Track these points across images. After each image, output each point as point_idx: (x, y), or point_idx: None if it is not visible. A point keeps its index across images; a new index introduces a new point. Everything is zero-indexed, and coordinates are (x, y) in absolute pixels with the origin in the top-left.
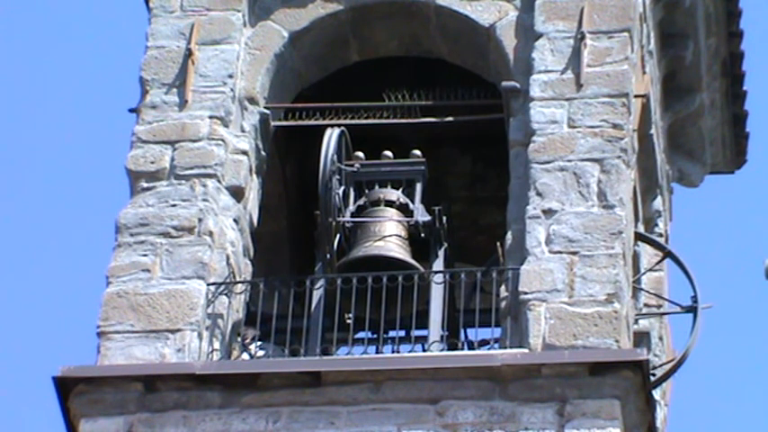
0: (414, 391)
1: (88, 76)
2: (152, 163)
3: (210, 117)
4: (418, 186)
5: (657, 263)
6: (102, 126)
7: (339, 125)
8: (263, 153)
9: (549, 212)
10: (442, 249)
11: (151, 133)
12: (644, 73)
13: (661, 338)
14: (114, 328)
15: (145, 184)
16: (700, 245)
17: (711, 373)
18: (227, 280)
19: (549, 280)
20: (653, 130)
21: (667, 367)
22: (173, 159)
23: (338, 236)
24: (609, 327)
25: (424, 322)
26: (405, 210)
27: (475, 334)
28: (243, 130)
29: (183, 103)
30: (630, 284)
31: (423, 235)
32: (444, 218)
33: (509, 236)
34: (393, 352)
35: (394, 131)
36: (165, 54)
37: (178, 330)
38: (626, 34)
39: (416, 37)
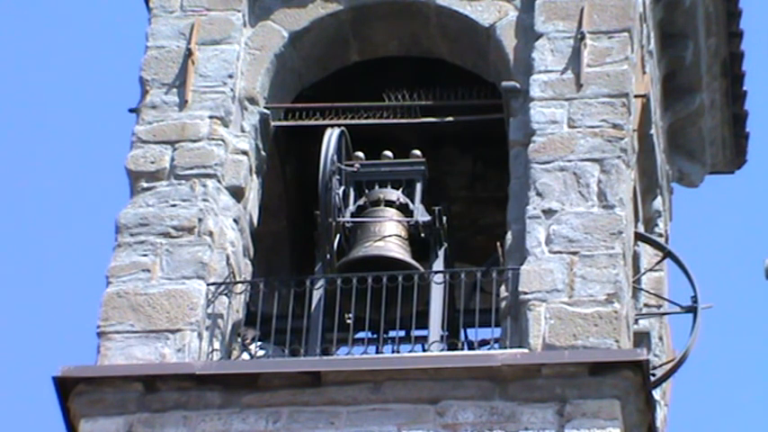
0: (414, 391)
1: (88, 76)
2: (152, 163)
3: (210, 117)
4: (418, 186)
5: (657, 263)
6: (102, 126)
7: (339, 125)
8: (263, 153)
9: (549, 212)
10: (442, 249)
11: (151, 133)
12: (644, 73)
13: (661, 338)
14: (114, 328)
15: (145, 184)
16: (700, 245)
17: (711, 373)
18: (227, 280)
19: (549, 280)
20: (653, 130)
21: (667, 367)
22: (173, 159)
23: (338, 236)
24: (609, 327)
25: (424, 322)
26: (405, 210)
27: (475, 334)
28: (243, 130)
29: (183, 103)
30: (630, 284)
31: (423, 235)
32: (444, 218)
33: (509, 236)
34: (393, 352)
35: (394, 131)
36: (165, 54)
37: (178, 330)
38: (626, 34)
39: (416, 37)
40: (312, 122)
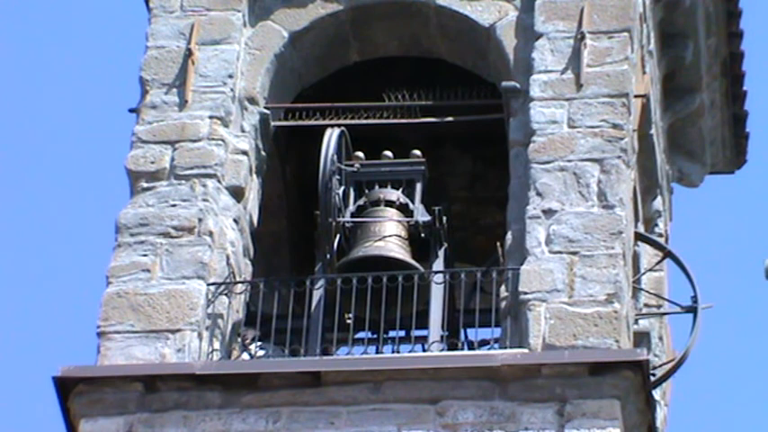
0: (414, 391)
1: (88, 76)
2: (152, 163)
3: (210, 117)
4: (418, 186)
5: (657, 263)
6: (102, 126)
7: (339, 125)
8: (263, 153)
9: (549, 212)
10: (442, 249)
11: (151, 133)
12: (644, 73)
13: (661, 338)
14: (114, 328)
15: (145, 184)
16: (700, 245)
17: (711, 373)
18: (227, 280)
19: (549, 280)
20: (653, 130)
21: (667, 367)
22: (173, 159)
23: (338, 236)
24: (609, 327)
25: (424, 322)
26: (405, 210)
27: (475, 334)
28: (243, 130)
29: (183, 103)
30: (630, 284)
31: (423, 235)
32: (444, 218)
33: (509, 236)
34: (393, 352)
35: (394, 131)
36: (165, 54)
37: (178, 330)
38: (626, 34)
39: (416, 37)
40: (312, 122)
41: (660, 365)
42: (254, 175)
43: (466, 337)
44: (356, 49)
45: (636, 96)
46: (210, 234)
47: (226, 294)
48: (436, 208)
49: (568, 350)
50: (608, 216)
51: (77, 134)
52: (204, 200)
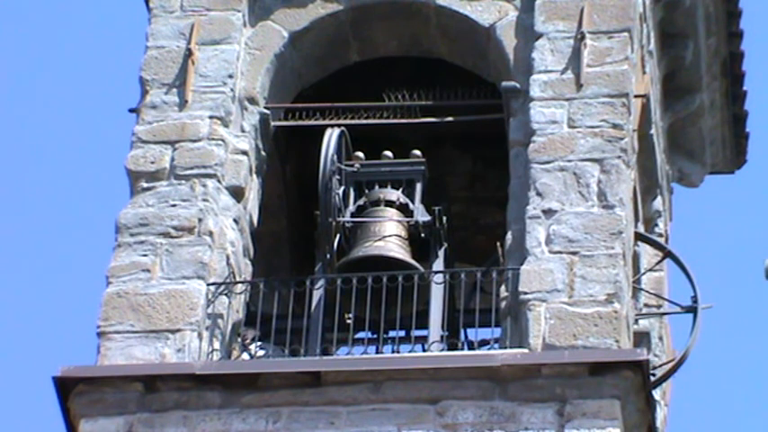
0: (414, 391)
1: (88, 76)
2: (152, 163)
3: (210, 117)
4: (418, 186)
5: (657, 263)
6: (102, 126)
7: (339, 125)
8: (263, 153)
9: (549, 212)
10: (442, 249)
11: (151, 133)
12: (644, 73)
13: (661, 338)
14: (114, 328)
15: (145, 184)
16: (700, 245)
17: (711, 373)
18: (227, 280)
19: (549, 280)
20: (653, 130)
21: (667, 367)
22: (173, 159)
23: (338, 236)
24: (609, 327)
25: (424, 322)
26: (405, 210)
27: (475, 334)
28: (243, 130)
29: (183, 103)
30: (630, 284)
31: (423, 235)
32: (444, 218)
33: (509, 236)
34: (393, 352)
35: (394, 131)
36: (165, 54)
37: (178, 330)
38: (626, 34)
39: (416, 37)
40: (312, 122)
41: (660, 365)
42: (254, 175)
43: (466, 337)
44: (356, 49)
45: (636, 96)
46: (210, 234)
47: (226, 294)
48: (436, 208)
49: (568, 350)
50: (608, 216)
51: (77, 134)
52: (204, 200)
